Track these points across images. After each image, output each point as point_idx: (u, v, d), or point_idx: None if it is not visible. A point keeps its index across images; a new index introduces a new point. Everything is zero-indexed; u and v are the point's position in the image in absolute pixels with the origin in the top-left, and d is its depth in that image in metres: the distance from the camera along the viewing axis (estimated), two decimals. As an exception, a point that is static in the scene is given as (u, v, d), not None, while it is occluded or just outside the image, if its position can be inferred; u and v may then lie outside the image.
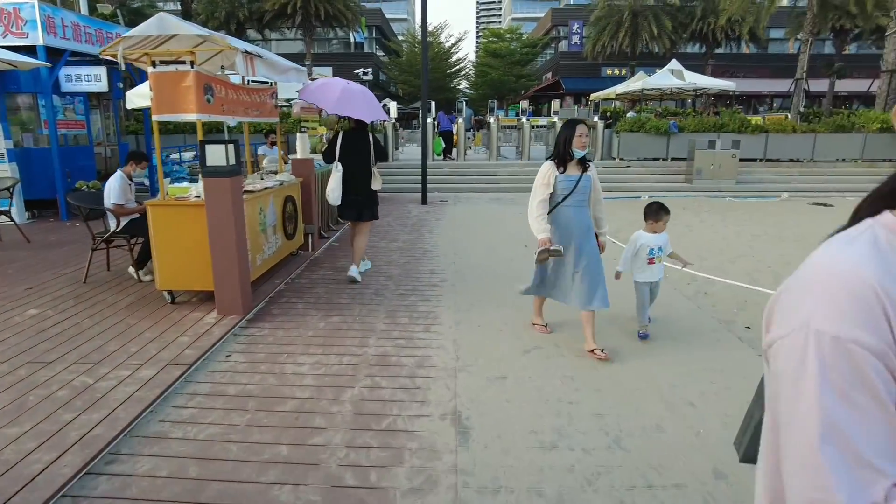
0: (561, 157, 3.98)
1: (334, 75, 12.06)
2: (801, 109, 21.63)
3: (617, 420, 3.24)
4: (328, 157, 5.83)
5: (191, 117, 4.48)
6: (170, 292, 5.08)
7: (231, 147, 4.50)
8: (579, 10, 43.84)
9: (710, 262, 7.13)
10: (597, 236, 4.19)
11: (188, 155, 12.80)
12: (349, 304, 5.22)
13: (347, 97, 5.66)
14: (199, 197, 4.81)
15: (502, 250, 7.58)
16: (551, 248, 3.93)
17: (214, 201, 4.51)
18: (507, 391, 3.57)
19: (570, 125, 3.96)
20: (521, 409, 3.35)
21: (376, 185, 5.93)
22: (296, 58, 9.35)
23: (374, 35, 50.45)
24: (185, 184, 5.56)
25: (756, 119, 17.04)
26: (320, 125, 11.60)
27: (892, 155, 15.76)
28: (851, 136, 15.74)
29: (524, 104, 34.55)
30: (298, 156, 7.43)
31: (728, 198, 13.39)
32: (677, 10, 34.89)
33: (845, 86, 37.56)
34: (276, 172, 7.05)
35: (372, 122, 6.73)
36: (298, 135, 7.52)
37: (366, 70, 19.90)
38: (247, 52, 4.88)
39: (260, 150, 10.46)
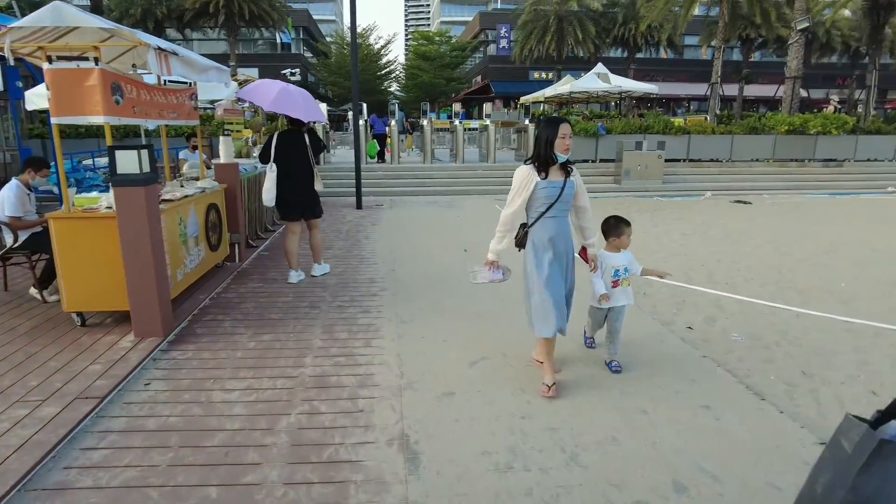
0: (542, 160, 3.42)
1: (260, 76, 11.55)
2: (717, 112, 22.81)
3: (571, 434, 3.12)
4: (263, 157, 5.76)
5: (97, 120, 4.02)
6: (79, 314, 4.56)
7: (145, 153, 4.08)
8: (507, 14, 44.54)
9: (644, 262, 7.22)
10: (583, 248, 3.76)
11: (103, 161, 11.87)
12: (282, 320, 4.88)
13: (285, 97, 5.61)
14: (110, 208, 4.34)
15: (442, 256, 7.41)
16: (504, 276, 3.66)
17: (127, 212, 4.08)
18: (457, 408, 3.39)
19: (552, 124, 3.40)
20: (473, 427, 3.17)
21: (318, 186, 5.92)
22: (220, 58, 8.82)
23: (301, 36, 49.28)
24: (96, 193, 5.04)
25: (678, 121, 17.77)
26: (245, 127, 11.05)
27: (798, 155, 16.85)
28: (763, 137, 16.70)
29: (457, 107, 34.63)
30: (222, 160, 6.97)
31: (655, 197, 13.84)
32: (600, 16, 36.08)
33: (752, 90, 40.11)
34: (197, 179, 6.57)
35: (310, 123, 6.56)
36: (222, 138, 7.05)
37: (293, 70, 19.25)
38: (160, 48, 4.45)
39: (181, 155, 9.82)
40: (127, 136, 13.77)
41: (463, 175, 15.18)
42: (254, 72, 30.28)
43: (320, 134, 15.52)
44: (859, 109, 24.39)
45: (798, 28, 18.00)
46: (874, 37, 23.13)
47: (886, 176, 16.44)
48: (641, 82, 23.54)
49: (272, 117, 17.02)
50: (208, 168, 8.19)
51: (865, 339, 4.78)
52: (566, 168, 3.48)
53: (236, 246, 6.84)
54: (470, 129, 21.05)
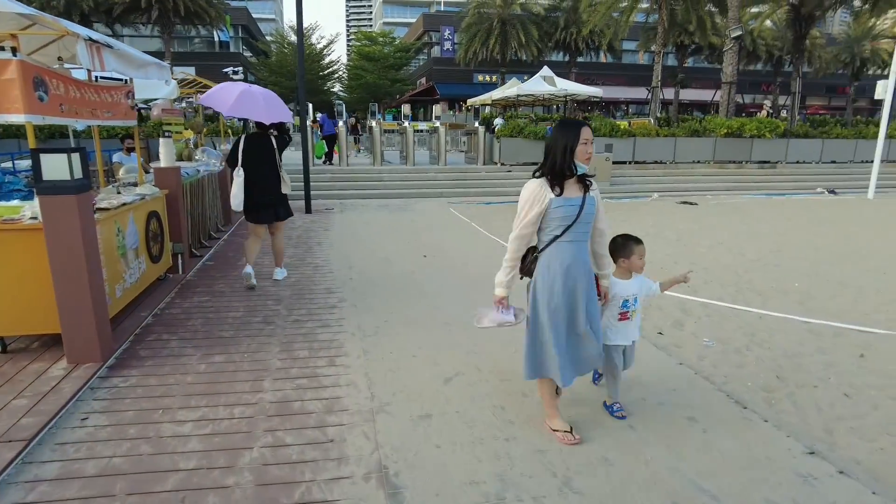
0: (558, 172, 2.78)
1: (197, 75, 10.91)
2: (658, 115, 23.51)
3: (560, 456, 2.94)
4: (231, 162, 5.71)
5: (17, 118, 3.54)
6: (0, 339, 4.04)
7: (76, 156, 3.63)
8: (450, 16, 44.62)
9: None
10: (596, 279, 3.10)
11: (24, 163, 10.90)
12: (234, 338, 4.50)
13: (245, 99, 5.48)
14: (35, 218, 3.85)
15: (401, 262, 7.14)
16: (516, 318, 3.01)
17: (56, 224, 3.62)
18: (436, 433, 3.14)
19: (571, 127, 2.79)
20: (456, 454, 2.94)
21: (286, 189, 5.89)
22: (154, 56, 8.21)
23: (240, 34, 47.75)
24: (16, 201, 4.50)
25: (623, 124, 18.15)
26: (186, 128, 10.42)
27: (736, 157, 17.52)
28: (704, 140, 17.28)
29: (406, 108, 34.33)
30: (163, 164, 6.46)
31: (605, 199, 13.98)
32: (543, 20, 36.64)
33: (687, 94, 41.81)
34: (135, 184, 6.04)
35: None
36: (162, 140, 6.53)
37: (236, 69, 18.42)
38: (92, 40, 4.00)
39: (115, 158, 9.13)
40: (52, 137, 12.78)
41: (415, 178, 14.92)
42: (191, 71, 28.94)
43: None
44: (783, 114, 25.73)
45: (732, 36, 18.73)
46: (797, 46, 24.47)
47: (815, 177, 17.33)
48: (585, 85, 24.00)
49: (212, 117, 16.25)
50: (147, 172, 7.62)
51: (826, 339, 4.85)
52: (584, 181, 2.85)
53: (179, 256, 6.35)
54: (418, 131, 20.82)
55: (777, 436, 3.19)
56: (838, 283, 6.49)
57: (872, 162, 15.54)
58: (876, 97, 15.78)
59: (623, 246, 3.23)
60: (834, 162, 18.66)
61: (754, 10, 27.89)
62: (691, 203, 13.38)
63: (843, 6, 26.56)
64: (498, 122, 19.86)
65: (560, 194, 2.78)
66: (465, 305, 5.36)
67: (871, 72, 43.97)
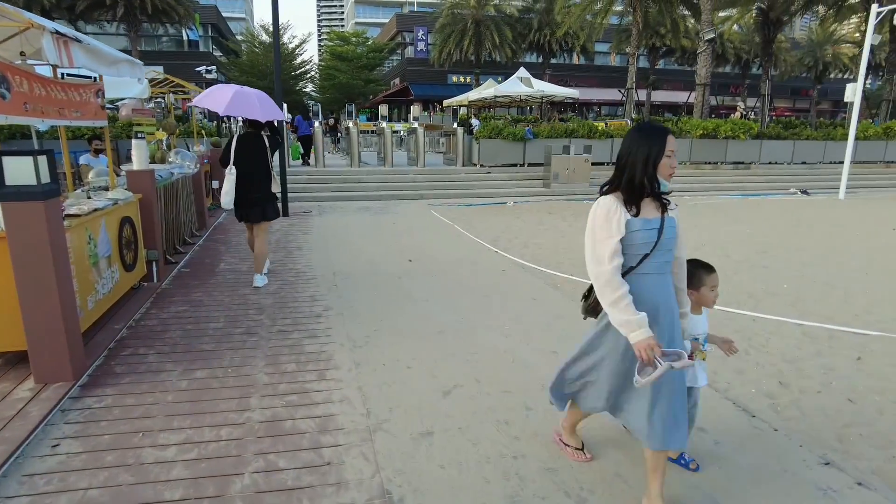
0: (637, 189, 2.27)
1: (167, 75, 10.52)
2: (633, 116, 23.73)
3: (572, 473, 2.79)
4: (223, 161, 5.87)
5: (-22, 119, 3.26)
6: (-43, 356, 3.73)
7: (43, 159, 3.35)
8: (424, 16, 44.46)
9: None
10: None
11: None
12: (216, 351, 4.25)
13: (239, 99, 5.65)
14: (-3, 226, 3.55)
15: (385, 266, 6.94)
16: (674, 361, 2.23)
17: (22, 232, 3.33)
18: (439, 451, 2.97)
19: (655, 136, 2.28)
20: (462, 475, 2.77)
21: (275, 187, 6.07)
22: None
23: (210, 34, 46.80)
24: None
25: (601, 125, 18.22)
26: (159, 129, 10.05)
27: (711, 158, 17.73)
28: (680, 141, 17.40)
29: (383, 109, 34.05)
30: (135, 166, 6.14)
31: (585, 200, 14.01)
32: (516, 21, 36.76)
33: (659, 96, 42.45)
34: (107, 188, 5.72)
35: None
36: (134, 141, 6.21)
37: (209, 68, 17.94)
38: (59, 33, 3.72)
39: (82, 160, 8.71)
40: (13, 138, 12.20)
41: (394, 179, 14.70)
42: (159, 70, 28.20)
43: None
44: (752, 116, 26.27)
45: (706, 38, 18.98)
46: (766, 50, 24.98)
47: (787, 178, 17.63)
48: (561, 87, 24.08)
49: (181, 118, 15.80)
50: (118, 175, 7.26)
51: (822, 342, 4.82)
52: (661, 199, 2.32)
53: (154, 264, 6.04)
54: (395, 132, 20.60)
55: (790, 446, 3.09)
56: (825, 284, 6.51)
57: (842, 163, 15.86)
58: (845, 100, 16.12)
59: (691, 275, 2.62)
60: (805, 163, 19.03)
61: (723, 14, 28.39)
62: (670, 204, 13.44)
63: (808, 11, 27.26)
64: (474, 123, 19.77)
65: (637, 215, 2.26)
66: (457, 312, 5.20)
67: (832, 75, 45.37)
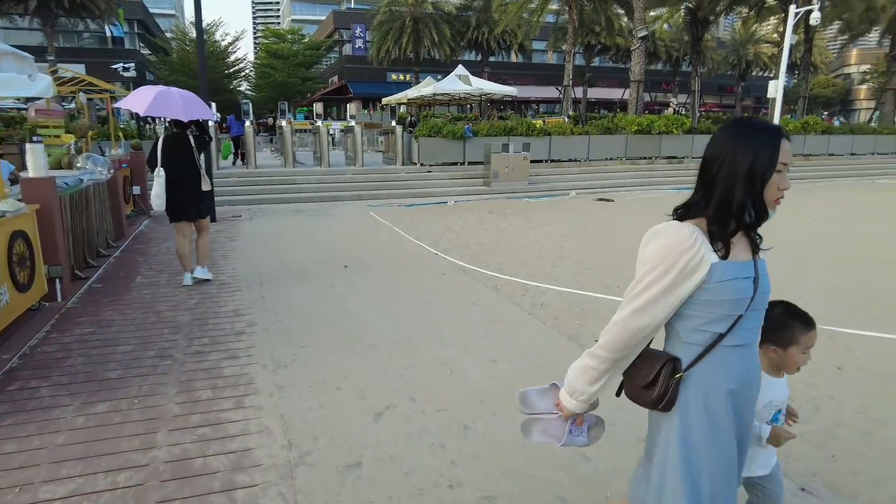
0: (735, 217, 1.52)
1: (88, 73, 9.75)
2: (570, 113, 24.05)
3: (513, 501, 2.57)
4: (150, 163, 5.85)
5: None
6: None
7: None
8: (361, 13, 43.80)
9: (532, 267, 7.00)
10: None
11: None
12: (122, 379, 3.80)
13: (162, 99, 5.60)
14: None
15: (318, 274, 6.56)
16: (590, 440, 1.87)
17: None
18: (367, 486, 2.68)
19: (765, 137, 1.50)
20: (393, 512, 2.50)
21: (205, 185, 6.01)
22: (35, 51, 7.18)
23: (136, 30, 44.51)
24: None
25: (538, 122, 18.31)
26: (67, 132, 9.27)
27: (646, 153, 18.13)
28: (617, 137, 17.75)
29: (318, 107, 33.25)
30: (31, 174, 5.54)
31: (525, 198, 13.99)
32: (454, 19, 36.72)
33: (594, 93, 43.38)
34: (-6, 198, 5.10)
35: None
36: (29, 146, 5.60)
37: (126, 65, 16.85)
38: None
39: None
40: None
41: (330, 180, 14.23)
42: (80, 68, 26.48)
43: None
44: (684, 111, 27.22)
45: (639, 36, 19.40)
46: (695, 48, 25.84)
47: (717, 171, 18.26)
48: (500, 84, 24.13)
49: (103, 120, 14.79)
50: (14, 183, 6.59)
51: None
52: (752, 235, 1.59)
53: (58, 281, 5.45)
54: (330, 131, 20.07)
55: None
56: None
57: (767, 156, 16.53)
58: (768, 96, 16.81)
59: (780, 326, 1.87)
60: (732, 157, 19.77)
61: (654, 13, 29.24)
62: (608, 199, 13.60)
63: (731, 12, 28.44)
64: (411, 120, 19.51)
65: (726, 256, 1.50)
66: (393, 322, 4.91)
67: (754, 73, 47.76)
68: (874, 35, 30.63)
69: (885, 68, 31.09)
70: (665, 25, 33.04)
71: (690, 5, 23.82)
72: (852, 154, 22.60)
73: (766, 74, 45.99)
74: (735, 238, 1.53)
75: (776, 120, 16.51)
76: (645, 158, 18.09)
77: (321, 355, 4.20)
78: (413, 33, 35.38)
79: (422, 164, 15.67)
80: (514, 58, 43.60)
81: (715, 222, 1.51)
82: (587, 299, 5.77)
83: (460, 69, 20.96)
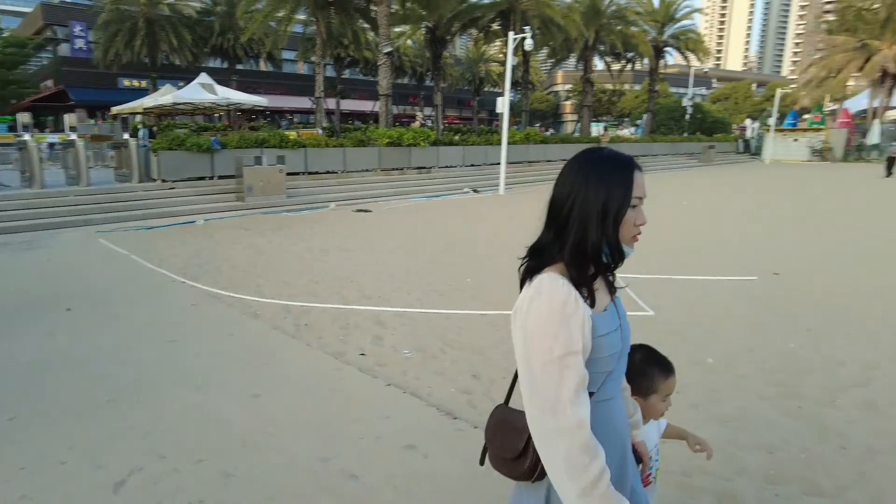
0: (592, 261, 1.37)
1: None
2: (325, 125, 24.14)
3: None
4: None
5: None
6: None
7: None
8: (80, 9, 37.90)
9: (293, 286, 6.83)
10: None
11: None
12: None
13: None
14: None
15: (31, 322, 5.45)
16: None
17: None
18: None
19: (617, 170, 1.37)
20: None
21: None
22: None
23: None
24: None
25: (292, 134, 17.98)
26: None
27: (398, 164, 19.09)
28: (370, 149, 18.35)
29: (25, 117, 27.79)
30: None
31: (283, 212, 13.61)
32: (195, 24, 34.07)
33: (347, 105, 44.26)
34: None
35: None
36: None
37: None
38: None
39: None
40: None
41: (46, 203, 11.95)
42: None
43: None
44: (429, 124, 29.43)
45: (384, 52, 20.31)
46: (435, 64, 28.10)
47: (461, 179, 20.10)
48: (248, 94, 23.10)
49: None
50: None
51: (504, 329, 5.40)
52: (608, 276, 1.47)
53: None
54: (47, 145, 16.92)
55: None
56: (502, 275, 7.39)
57: (499, 164, 18.72)
58: (497, 111, 19.05)
59: (640, 374, 1.83)
60: (473, 165, 21.94)
61: (398, 29, 30.96)
62: (366, 210, 13.97)
63: (464, 33, 31.63)
64: (141, 132, 17.53)
65: (593, 305, 1.35)
66: (134, 369, 4.33)
67: (487, 88, 53.86)
68: (573, 60, 36.98)
69: (581, 88, 37.78)
70: (409, 42, 35.25)
71: (430, 24, 25.78)
72: (563, 160, 26.65)
73: (496, 90, 52.15)
74: (597, 283, 1.40)
75: (505, 132, 18.76)
76: (397, 169, 19.02)
77: (38, 426, 3.49)
78: (148, 36, 31.80)
79: (163, 181, 14.14)
80: (263, 66, 42.14)
81: (573, 267, 1.35)
82: (351, 313, 5.84)
83: (203, 77, 19.55)
